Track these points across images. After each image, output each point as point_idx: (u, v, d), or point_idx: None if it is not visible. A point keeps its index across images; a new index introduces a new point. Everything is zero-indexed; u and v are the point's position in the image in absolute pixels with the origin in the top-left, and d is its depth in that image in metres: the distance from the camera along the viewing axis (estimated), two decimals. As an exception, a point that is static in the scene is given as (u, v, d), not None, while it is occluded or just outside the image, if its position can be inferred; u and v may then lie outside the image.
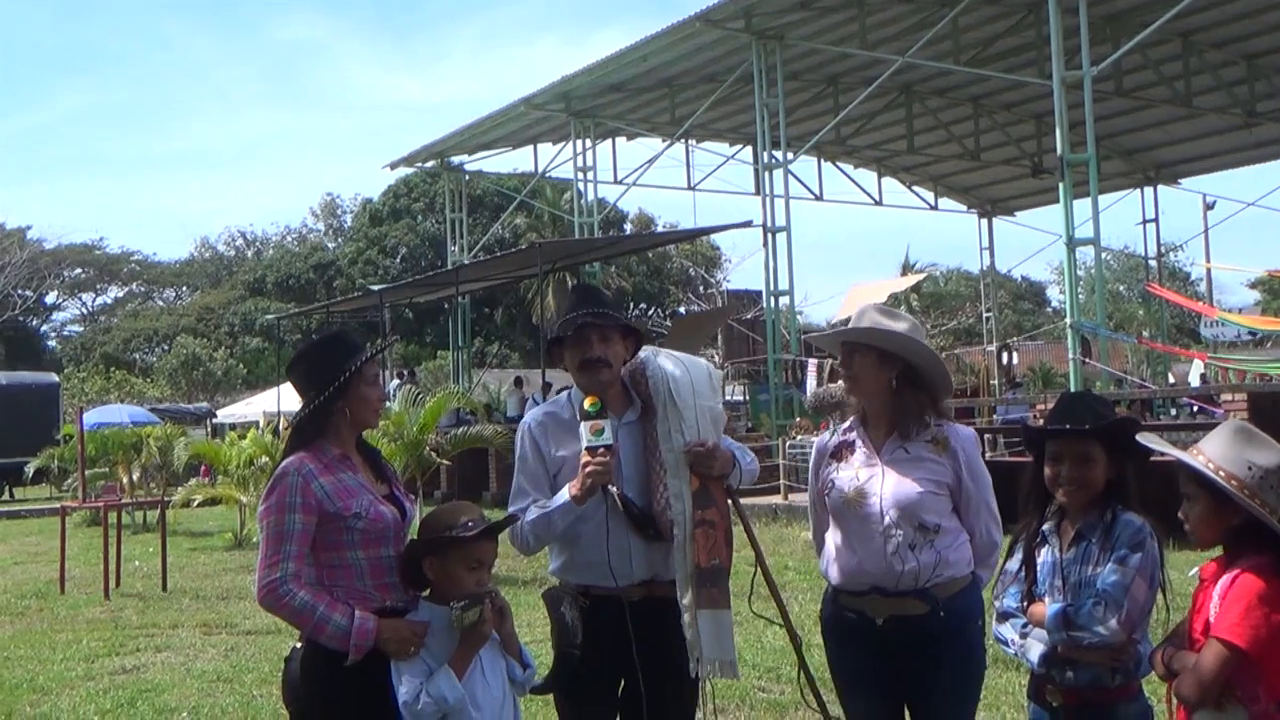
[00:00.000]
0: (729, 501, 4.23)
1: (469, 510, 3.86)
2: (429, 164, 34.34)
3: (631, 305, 62.30)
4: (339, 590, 3.71)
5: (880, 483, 4.02)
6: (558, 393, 4.45)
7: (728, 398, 33.54)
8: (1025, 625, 3.84)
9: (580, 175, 29.38)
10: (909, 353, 4.05)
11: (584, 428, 3.97)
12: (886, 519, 3.97)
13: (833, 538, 4.18)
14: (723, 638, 4.05)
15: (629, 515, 4.07)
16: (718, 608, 4.04)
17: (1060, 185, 19.31)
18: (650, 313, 61.11)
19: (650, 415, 4.17)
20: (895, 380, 4.05)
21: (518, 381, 30.87)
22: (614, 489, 4.03)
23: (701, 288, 52.28)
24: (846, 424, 4.28)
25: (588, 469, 3.94)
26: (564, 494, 4.03)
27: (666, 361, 4.29)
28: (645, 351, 4.30)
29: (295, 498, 3.69)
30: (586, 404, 4.00)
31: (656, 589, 4.12)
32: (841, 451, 4.20)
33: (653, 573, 4.12)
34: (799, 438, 19.49)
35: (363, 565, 3.75)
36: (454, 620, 3.65)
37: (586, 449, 3.95)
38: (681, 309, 55.51)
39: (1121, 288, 62.75)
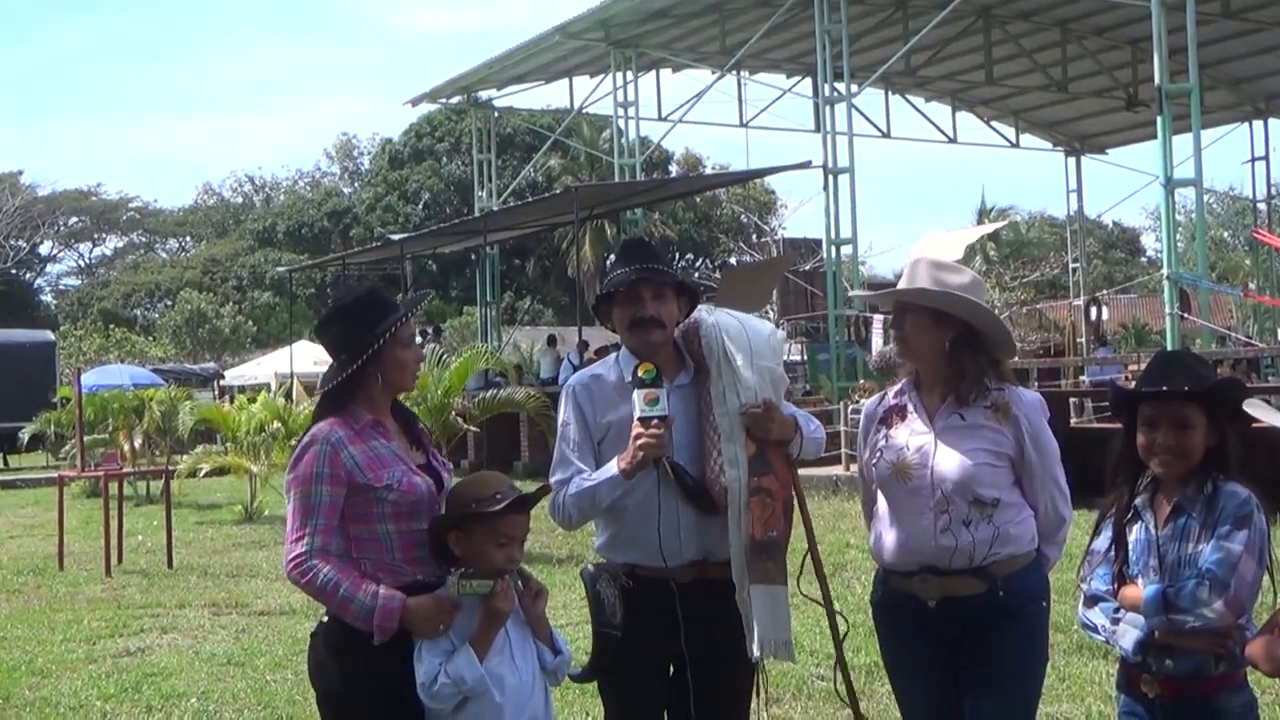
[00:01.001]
0: (790, 471, 4.24)
1: (497, 482, 3.90)
2: (454, 100, 34.33)
3: (677, 255, 62.23)
4: (368, 564, 3.81)
5: (932, 453, 4.03)
6: (595, 352, 4.47)
7: (784, 357, 33.53)
8: (1117, 609, 3.83)
9: (621, 111, 29.30)
10: (966, 313, 4.05)
11: (637, 396, 4.00)
12: (938, 493, 3.98)
13: (881, 513, 4.21)
14: (778, 616, 4.08)
15: (681, 485, 4.10)
16: (773, 583, 4.06)
17: (1158, 119, 19.06)
18: (698, 264, 61.02)
19: (704, 377, 4.19)
20: (950, 343, 4.06)
21: (551, 340, 30.93)
22: (665, 458, 4.07)
23: (754, 236, 52.03)
24: (898, 386, 4.29)
25: (640, 441, 3.97)
26: (611, 466, 4.06)
27: (723, 317, 4.30)
28: (700, 310, 4.32)
29: (323, 467, 3.77)
30: (640, 371, 4.03)
31: (709, 570, 4.15)
32: (891, 417, 4.21)
33: (705, 551, 4.15)
34: (863, 402, 19.43)
35: (393, 539, 3.83)
36: (450, 589, 3.73)
37: (639, 419, 3.98)
38: (732, 260, 55.34)
39: (1226, 234, 61.97)
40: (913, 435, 4.09)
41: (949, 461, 3.99)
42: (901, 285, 4.13)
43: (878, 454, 4.16)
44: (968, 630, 3.99)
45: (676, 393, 4.13)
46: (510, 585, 3.79)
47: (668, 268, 4.25)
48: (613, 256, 4.47)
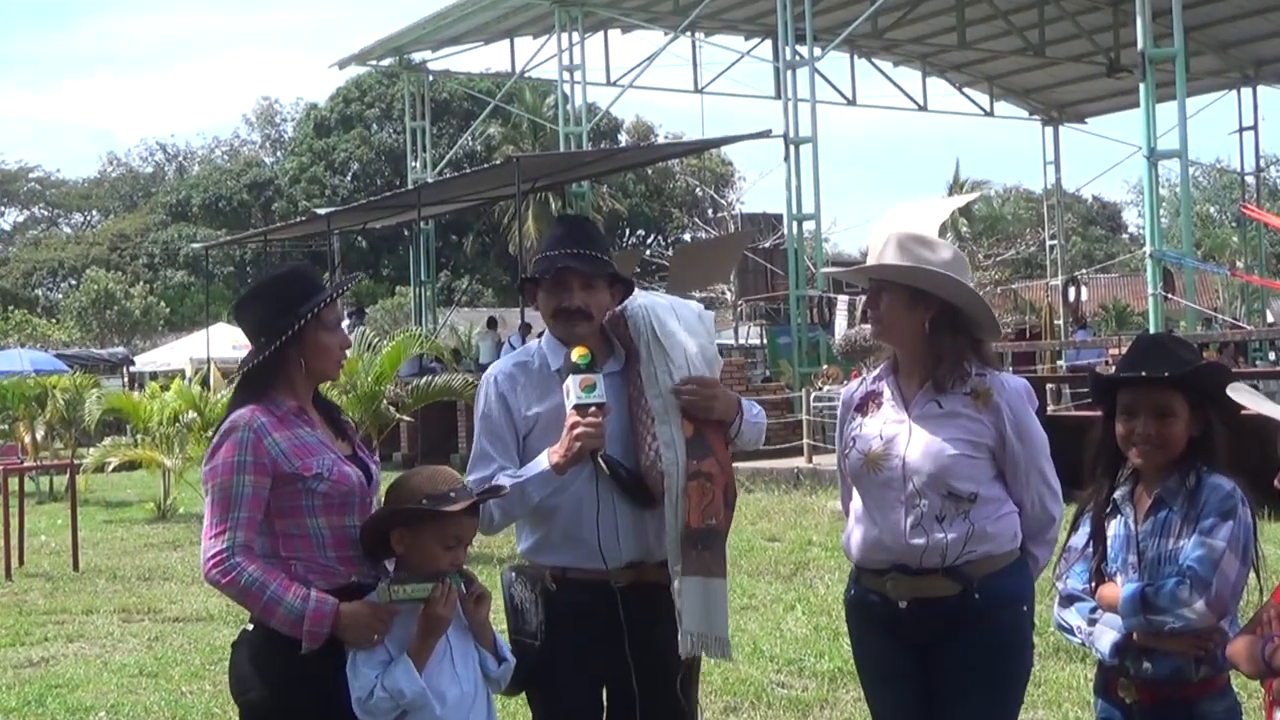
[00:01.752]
0: (729, 451, 4.23)
1: (449, 478, 3.87)
2: (385, 62, 34.12)
3: (627, 232, 62.24)
4: (297, 564, 3.76)
5: (905, 442, 4.03)
6: (539, 336, 4.46)
7: (742, 340, 33.63)
8: (1094, 609, 3.87)
9: (566, 75, 29.23)
10: (946, 291, 4.04)
11: (572, 382, 3.97)
12: (910, 485, 3.98)
13: (854, 507, 4.22)
14: (713, 610, 4.06)
15: (616, 479, 4.08)
16: (710, 575, 4.05)
17: (1141, 86, 19.22)
18: (650, 241, 61.03)
19: (633, 362, 4.19)
20: (929, 323, 4.04)
21: (492, 322, 30.87)
22: (600, 452, 4.05)
23: (710, 211, 52.09)
24: (876, 371, 4.29)
25: (577, 431, 3.94)
26: (541, 460, 4.02)
27: (650, 297, 4.32)
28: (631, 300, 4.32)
29: (245, 456, 3.73)
30: (575, 355, 4.01)
31: (647, 571, 4.13)
32: (867, 404, 4.22)
33: (643, 551, 4.14)
34: (826, 388, 19.56)
35: (325, 535, 3.80)
36: (380, 595, 3.70)
37: (575, 407, 3.95)
38: (686, 236, 55.41)
39: (1212, 209, 62.61)
40: (886, 424, 4.09)
41: (921, 451, 3.98)
42: (878, 260, 4.11)
43: (850, 443, 4.17)
44: (940, 635, 3.99)
45: (606, 380, 4.09)
46: (452, 589, 3.77)
47: (604, 254, 4.22)
48: (545, 236, 4.43)
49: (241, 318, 3.99)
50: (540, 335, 4.42)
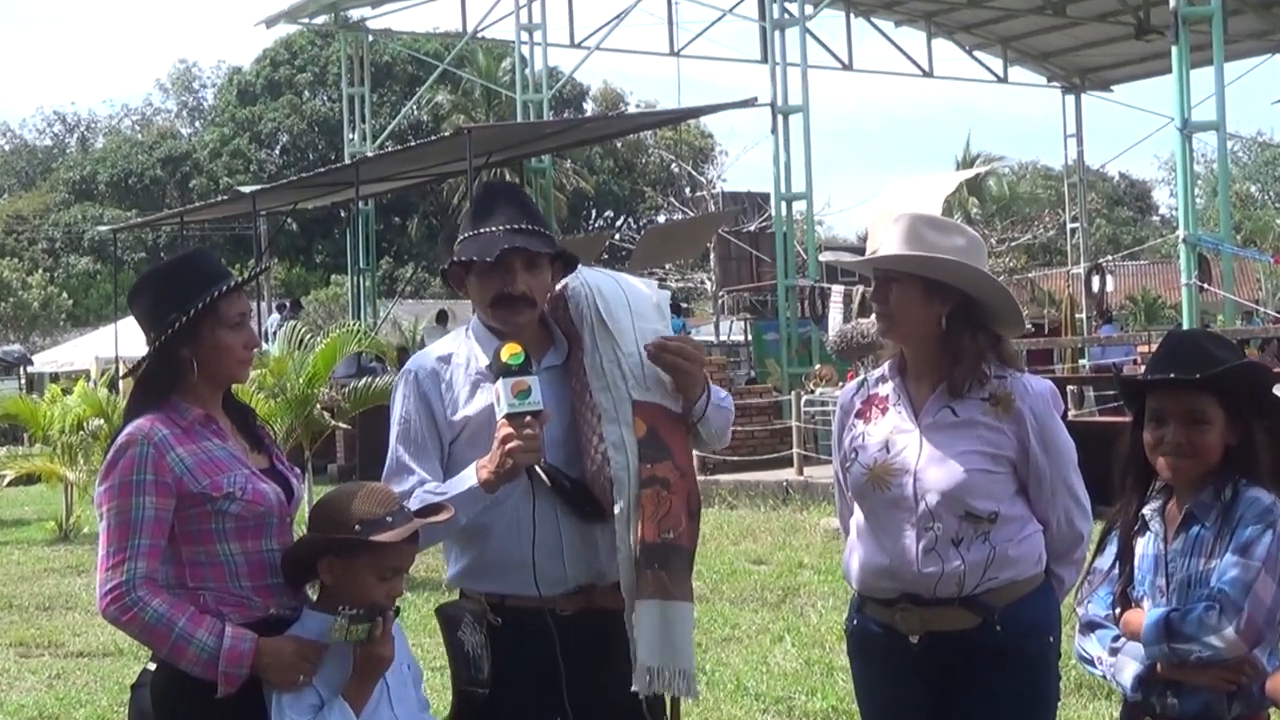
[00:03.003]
0: (691, 452, 4.16)
1: (385, 499, 3.82)
2: (318, 20, 33.98)
3: (594, 213, 62.22)
4: (207, 595, 3.72)
5: (916, 455, 4.03)
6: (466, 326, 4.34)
7: (724, 337, 33.64)
8: (1117, 638, 3.90)
9: (524, 36, 29.18)
10: (966, 282, 4.04)
11: (503, 387, 3.84)
12: (922, 505, 3.98)
13: (856, 527, 4.21)
14: (674, 638, 3.96)
15: (558, 490, 4.02)
16: (669, 598, 3.94)
17: (1173, 49, 19.30)
18: (619, 223, 61.02)
19: (576, 353, 4.13)
20: (946, 319, 4.05)
21: (442, 316, 30.79)
22: (539, 463, 3.97)
23: (688, 190, 52.06)
24: (879, 371, 4.28)
25: (510, 445, 3.82)
26: (469, 475, 3.93)
27: (594, 276, 4.24)
28: (571, 278, 4.24)
29: (144, 474, 3.68)
30: (505, 354, 3.87)
31: (598, 597, 4.09)
32: (869, 409, 4.21)
33: (594, 574, 4.08)
34: (819, 391, 19.59)
35: (238, 561, 3.76)
36: (334, 632, 3.66)
37: (507, 416, 3.84)
38: (660, 218, 55.39)
39: (1253, 188, 63.02)
40: (893, 433, 4.09)
41: (936, 466, 3.98)
42: (888, 248, 4.09)
43: (851, 455, 4.16)
44: (957, 673, 4.00)
45: (545, 377, 4.01)
46: (392, 624, 3.76)
47: (544, 227, 4.14)
48: (469, 206, 4.31)
49: (135, 310, 3.93)
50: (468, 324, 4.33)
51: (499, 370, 3.88)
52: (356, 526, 3.73)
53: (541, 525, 4.00)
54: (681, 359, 4.06)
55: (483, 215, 4.12)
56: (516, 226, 4.05)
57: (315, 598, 3.92)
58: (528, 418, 3.84)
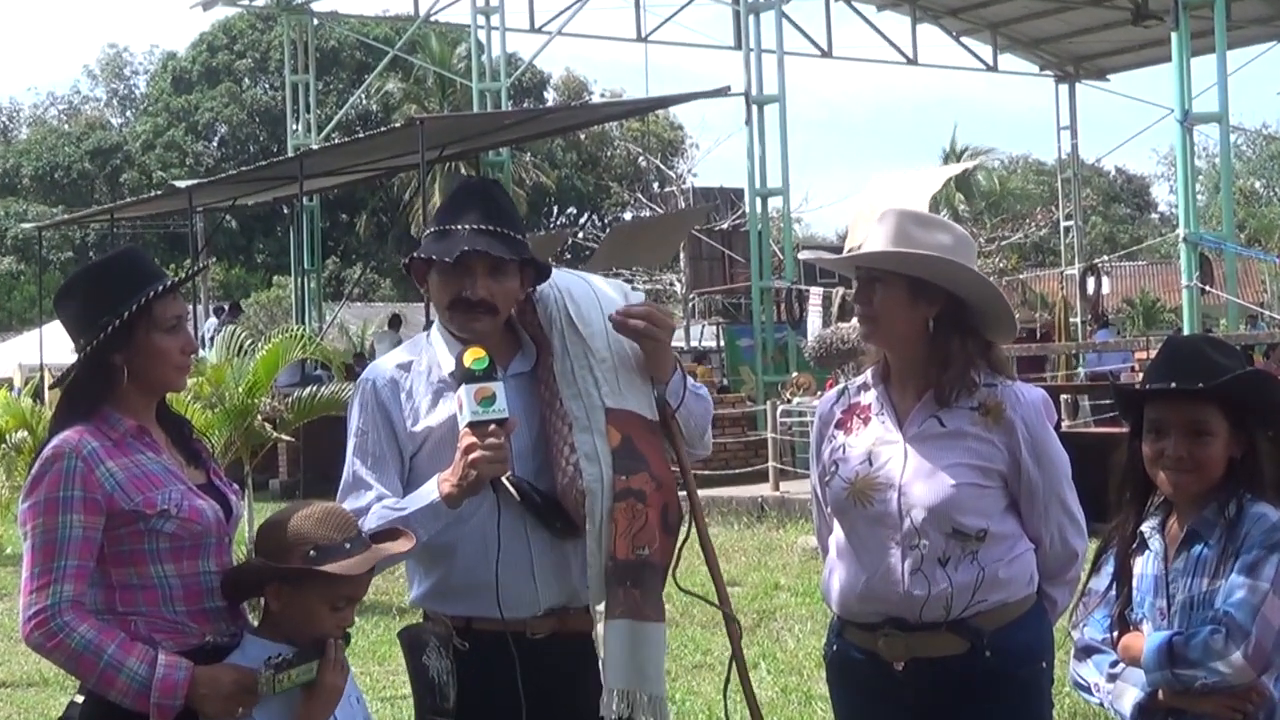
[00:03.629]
0: (669, 461, 4.13)
1: (342, 522, 3.79)
2: (259, 1, 33.94)
3: (555, 210, 62.19)
4: (138, 621, 3.70)
5: (901, 468, 4.03)
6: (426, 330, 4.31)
7: (694, 343, 33.68)
8: (1115, 663, 3.90)
9: (481, 20, 29.16)
10: (955, 282, 4.05)
11: (465, 394, 3.82)
12: (907, 522, 3.98)
13: (835, 546, 4.21)
14: (644, 661, 3.95)
15: (527, 505, 4.00)
16: (640, 618, 3.94)
17: (1173, 36, 19.42)
18: (583, 221, 61.01)
19: (545, 358, 4.11)
20: (933, 322, 4.05)
21: (394, 321, 30.76)
22: (506, 475, 3.94)
23: (656, 185, 52.13)
24: (860, 379, 4.28)
25: (474, 455, 3.80)
26: (431, 489, 3.91)
27: (564, 277, 4.23)
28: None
29: (72, 490, 3.65)
30: (469, 360, 3.84)
31: (571, 620, 4.09)
32: (850, 419, 4.21)
33: (566, 595, 4.07)
34: (796, 400, 19.61)
35: (172, 585, 3.73)
36: (263, 685, 3.61)
37: (470, 425, 3.81)
38: (627, 215, 55.43)
39: (1258, 184, 63.39)
40: (876, 444, 4.09)
41: (922, 480, 3.99)
42: (871, 246, 4.09)
43: (831, 469, 4.16)
44: (944, 702, 4.00)
45: (512, 384, 3.99)
46: (343, 651, 3.74)
47: (518, 231, 4.10)
48: (442, 200, 4.30)
49: (62, 314, 3.91)
50: (428, 329, 4.31)
51: (461, 376, 3.86)
52: (311, 552, 3.69)
53: (509, 542, 3.97)
54: (651, 324, 4.06)
55: (452, 212, 4.10)
56: (483, 227, 4.02)
57: (257, 621, 3.89)
58: (492, 426, 3.81)
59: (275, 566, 3.71)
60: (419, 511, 3.90)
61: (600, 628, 3.96)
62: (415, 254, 4.10)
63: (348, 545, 3.72)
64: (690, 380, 4.25)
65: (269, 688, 3.61)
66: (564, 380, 4.05)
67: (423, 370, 4.13)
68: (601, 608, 3.97)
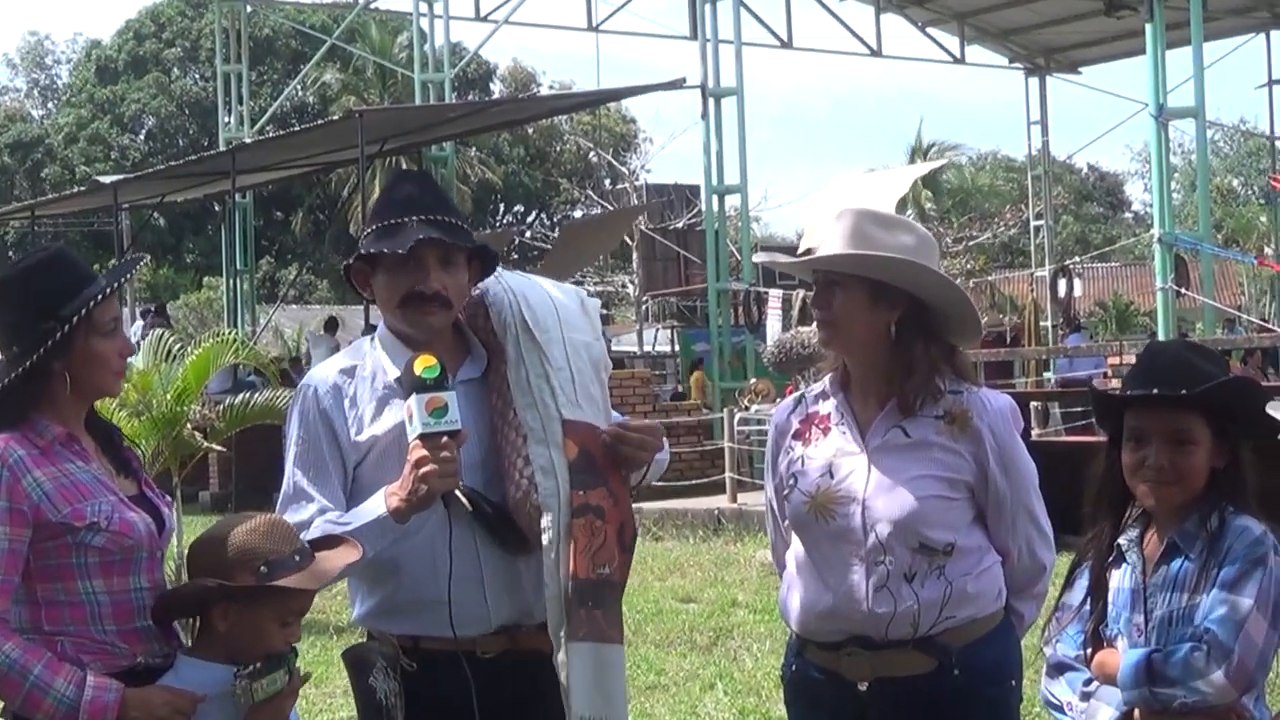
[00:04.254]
0: (626, 478, 4.13)
1: (288, 534, 3.78)
2: (189, -12, 33.77)
3: (502, 208, 62.15)
4: (65, 640, 3.68)
5: (864, 481, 4.04)
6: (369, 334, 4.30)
7: (648, 347, 33.70)
8: (1089, 681, 3.91)
9: (423, 8, 29.13)
10: (917, 285, 4.05)
11: (416, 404, 3.79)
12: (871, 537, 3.99)
13: (794, 562, 4.21)
14: (609, 685, 3.96)
15: (479, 520, 3.99)
16: (603, 640, 3.94)
17: (1147, 28, 19.53)
18: (530, 220, 60.99)
19: (498, 364, 4.11)
20: (895, 326, 4.06)
21: (330, 324, 30.65)
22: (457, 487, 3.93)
23: (608, 182, 52.16)
24: (818, 387, 4.28)
25: (425, 469, 3.78)
26: (377, 503, 3.90)
27: (517, 280, 4.22)
28: (489, 280, 4.22)
29: None
30: (419, 367, 3.81)
31: (523, 639, 4.08)
32: (808, 429, 4.21)
33: (518, 613, 4.07)
34: (755, 408, 19.64)
35: (101, 601, 3.72)
36: (239, 695, 3.62)
37: (421, 437, 3.79)
38: (577, 213, 55.42)
39: (1235, 182, 63.86)
40: (837, 456, 4.10)
41: (886, 493, 3.99)
42: (829, 247, 4.09)
43: (789, 482, 4.16)
44: (911, 722, 4.01)
45: (462, 391, 3.97)
46: (297, 671, 3.74)
47: (461, 220, 4.11)
48: (377, 197, 4.27)
49: None
50: (369, 332, 4.29)
51: (411, 385, 3.83)
52: (262, 568, 3.68)
53: (460, 558, 3.96)
54: (643, 451, 4.07)
55: (393, 206, 4.08)
56: (431, 218, 4.01)
57: (190, 640, 3.88)
58: (444, 438, 3.80)
59: (226, 585, 3.69)
60: (365, 526, 3.89)
61: (561, 653, 3.93)
62: (366, 250, 4.05)
63: (297, 558, 3.71)
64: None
65: (247, 698, 3.61)
66: (519, 389, 4.03)
67: (367, 376, 4.11)
68: (562, 631, 3.94)
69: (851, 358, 4.15)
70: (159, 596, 3.79)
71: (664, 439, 4.16)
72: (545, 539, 3.94)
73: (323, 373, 4.19)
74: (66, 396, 3.80)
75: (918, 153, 55.84)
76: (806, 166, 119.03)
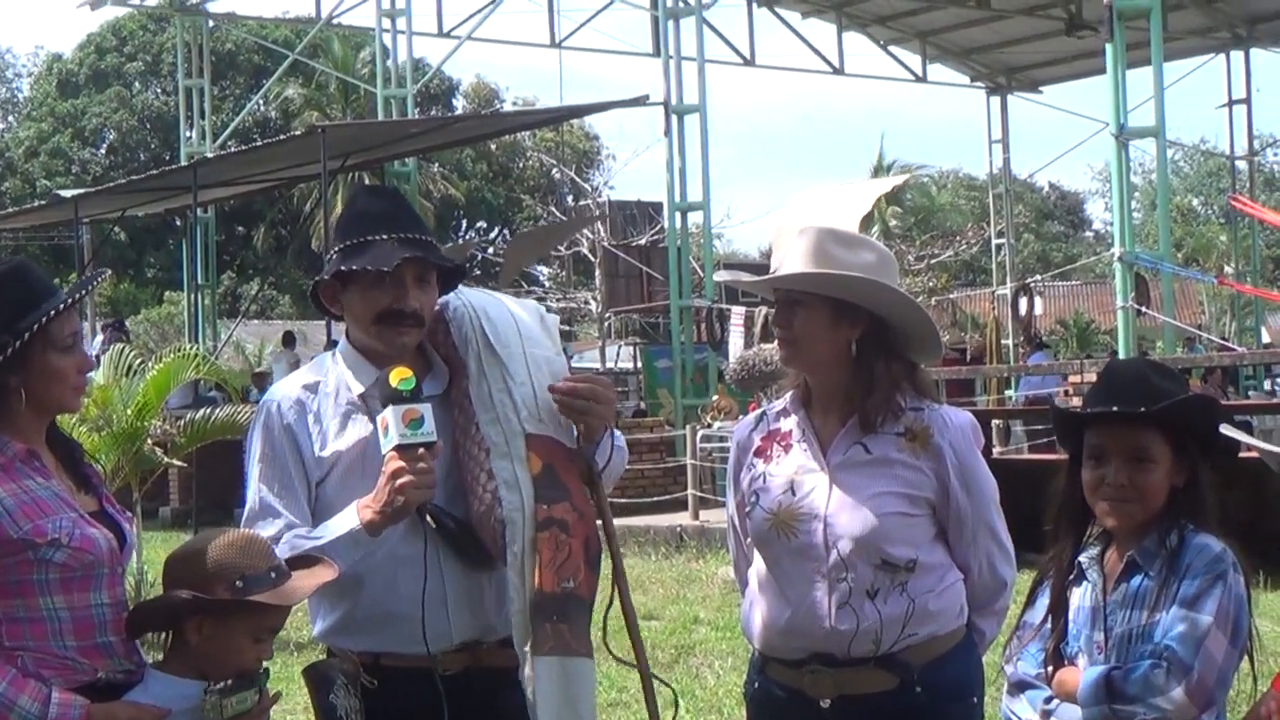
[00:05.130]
0: (591, 494, 4.14)
1: (264, 550, 3.77)
2: (152, 1, 33.71)
3: (464, 224, 62.08)
4: (26, 656, 3.65)
5: (825, 498, 4.04)
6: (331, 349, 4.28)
7: (610, 364, 33.69)
8: (1050, 699, 3.91)
9: (386, 23, 29.07)
10: (878, 303, 4.07)
11: (393, 415, 3.80)
12: (833, 554, 3.99)
13: (757, 578, 4.21)
14: (577, 699, 3.95)
15: (442, 534, 3.99)
16: (570, 654, 3.94)
17: (1108, 47, 19.60)
18: (494, 235, 60.92)
19: (459, 380, 4.10)
20: (856, 344, 4.07)
21: (288, 339, 30.59)
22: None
23: (571, 198, 52.15)
24: (779, 404, 4.29)
25: (402, 481, 3.78)
26: (349, 517, 3.90)
27: (476, 296, 4.24)
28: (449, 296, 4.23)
29: None
30: (395, 380, 3.83)
31: (484, 655, 4.08)
32: (769, 446, 4.22)
33: (479, 629, 4.08)
34: (717, 425, 19.65)
35: (63, 618, 3.70)
36: (208, 711, 3.60)
37: (397, 448, 3.80)
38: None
39: (1195, 201, 64.21)
40: (798, 473, 4.10)
41: (848, 510, 4.00)
42: (790, 266, 4.10)
43: (751, 499, 4.17)
44: (874, 740, 4.01)
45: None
46: (267, 691, 3.72)
47: (432, 237, 4.11)
48: (344, 212, 4.26)
49: None
50: (332, 348, 4.28)
51: (387, 396, 3.84)
52: (238, 583, 3.66)
53: (430, 571, 3.97)
54: (595, 403, 4.06)
55: (366, 222, 4.07)
56: (409, 236, 4.01)
57: (152, 657, 3.86)
58: (420, 449, 3.80)
59: (201, 598, 3.67)
60: (337, 540, 3.88)
61: (528, 668, 3.92)
62: (348, 267, 4.00)
63: (273, 574, 3.70)
64: (615, 434, 4.25)
65: (216, 714, 3.60)
66: (481, 404, 4.03)
67: (330, 392, 4.11)
68: (527, 645, 3.93)
69: (813, 376, 4.16)
70: (133, 609, 3.77)
71: (610, 398, 4.14)
72: (509, 553, 3.94)
73: (285, 389, 4.18)
74: (22, 412, 3.77)
75: (879, 171, 55.95)
76: (768, 184, 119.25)
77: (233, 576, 3.67)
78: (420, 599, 3.95)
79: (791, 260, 4.11)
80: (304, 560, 3.84)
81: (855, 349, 4.07)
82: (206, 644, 3.70)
